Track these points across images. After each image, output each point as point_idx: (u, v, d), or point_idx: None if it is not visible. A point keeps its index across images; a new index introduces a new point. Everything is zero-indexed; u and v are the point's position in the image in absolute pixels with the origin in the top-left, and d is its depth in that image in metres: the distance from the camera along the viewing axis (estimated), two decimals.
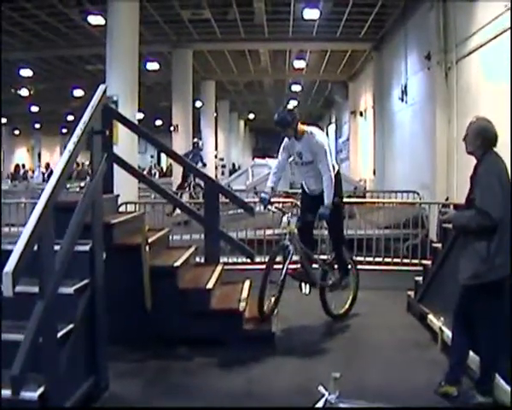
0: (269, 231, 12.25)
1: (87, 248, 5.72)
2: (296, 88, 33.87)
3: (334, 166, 7.81)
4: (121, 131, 9.84)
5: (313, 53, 25.68)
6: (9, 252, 4.24)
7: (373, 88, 23.65)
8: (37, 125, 50.03)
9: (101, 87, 6.48)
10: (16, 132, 53.17)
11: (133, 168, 8.88)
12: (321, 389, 4.49)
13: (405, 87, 18.28)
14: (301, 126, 7.91)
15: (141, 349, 6.98)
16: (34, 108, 39.33)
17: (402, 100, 18.57)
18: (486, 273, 5.33)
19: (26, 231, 4.35)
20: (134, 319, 7.08)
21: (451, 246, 7.21)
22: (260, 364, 6.67)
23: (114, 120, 8.56)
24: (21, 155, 53.32)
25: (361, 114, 27.55)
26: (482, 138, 5.52)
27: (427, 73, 15.34)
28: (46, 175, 26.84)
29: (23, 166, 31.42)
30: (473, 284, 5.43)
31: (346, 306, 8.52)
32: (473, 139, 5.59)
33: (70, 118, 39.56)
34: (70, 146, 5.38)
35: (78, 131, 5.56)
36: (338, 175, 7.95)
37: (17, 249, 4.18)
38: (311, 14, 18.54)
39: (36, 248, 4.49)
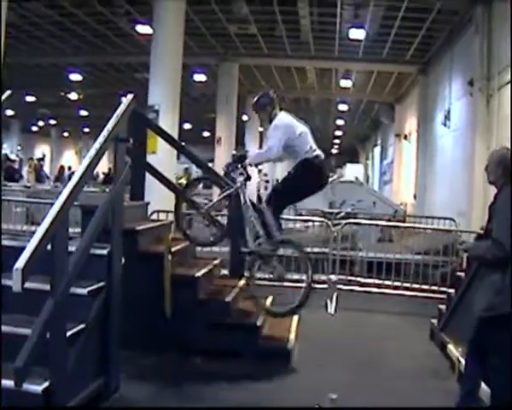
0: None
1: (105, 252, 5.84)
2: (343, 107, 33.74)
3: (297, 150, 7.55)
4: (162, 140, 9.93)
5: (360, 73, 25.62)
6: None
7: (418, 111, 23.53)
8: (86, 129, 50.77)
9: (129, 96, 6.59)
10: (65, 135, 54.07)
11: (164, 177, 8.98)
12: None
13: (449, 112, 18.17)
14: (278, 112, 7.78)
15: (156, 355, 7.06)
16: (83, 112, 40.02)
17: (445, 125, 18.46)
18: (500, 305, 5.27)
19: (40, 231, 4.49)
20: (153, 326, 7.20)
21: (473, 276, 7.11)
22: (272, 380, 6.69)
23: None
24: (69, 158, 54.11)
25: (405, 137, 27.39)
26: (503, 168, 5.52)
27: (470, 100, 15.22)
28: (66, 177, 27.28)
29: (69, 168, 31.86)
30: (487, 316, 5.37)
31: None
32: (494, 168, 5.60)
33: None
34: (91, 152, 5.52)
35: (101, 138, 5.69)
36: (307, 162, 7.58)
37: (29, 247, 4.32)
38: (357, 34, 18.56)
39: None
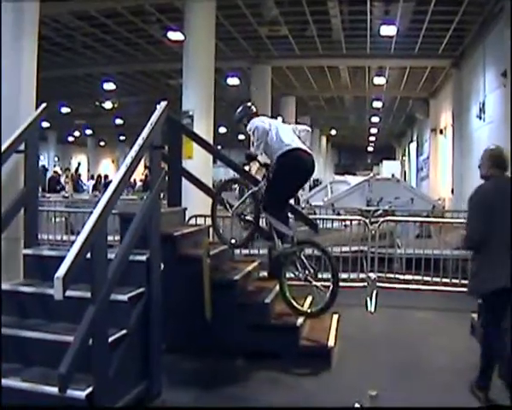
0: (337, 249, 12.26)
1: (144, 258, 5.93)
2: (377, 104, 33.60)
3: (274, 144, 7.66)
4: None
5: (393, 69, 25.48)
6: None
7: (452, 105, 23.33)
8: (122, 138, 51.22)
9: (162, 104, 6.66)
10: (102, 144, 54.63)
11: (200, 182, 9.06)
12: (356, 405, 4.55)
13: (483, 105, 18.00)
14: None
15: (197, 359, 7.14)
16: (119, 121, 40.40)
17: (480, 118, 18.29)
18: (474, 288, 6.18)
19: (79, 239, 4.59)
20: (193, 329, 7.31)
21: None
22: (313, 380, 6.70)
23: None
24: (106, 166, 54.63)
25: (441, 131, 27.16)
26: (492, 162, 6.09)
27: (504, 91, 15.07)
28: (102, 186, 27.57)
29: (105, 176, 32.10)
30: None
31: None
32: (485, 163, 6.17)
33: None
34: (127, 160, 5.62)
35: (136, 147, 5.79)
36: (281, 158, 7.63)
37: (69, 256, 4.42)
38: (388, 30, 18.42)
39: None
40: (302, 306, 7.92)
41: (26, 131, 6.51)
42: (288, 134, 7.73)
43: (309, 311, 7.87)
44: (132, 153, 5.69)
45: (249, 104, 8.37)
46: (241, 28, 19.53)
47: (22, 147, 6.55)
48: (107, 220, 5.02)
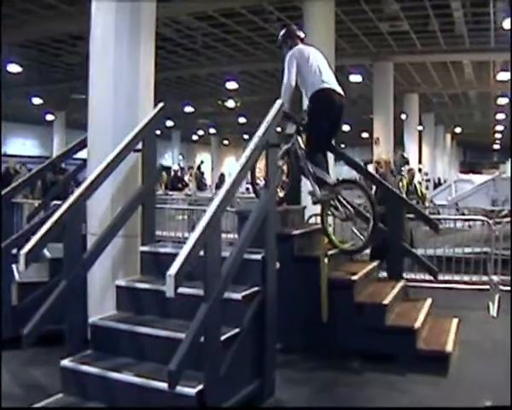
0: (457, 249, 11.94)
1: (259, 256, 5.91)
2: (503, 101, 32.31)
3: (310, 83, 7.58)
4: None
5: None
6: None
7: None
8: (246, 136, 51.83)
9: (278, 102, 6.63)
10: (225, 142, 55.49)
11: None
12: None
13: None
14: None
15: (312, 359, 7.07)
16: (242, 119, 40.87)
17: None
18: None
19: (193, 238, 4.62)
20: (309, 330, 7.27)
21: None
22: (428, 386, 6.43)
23: None
24: (230, 165, 55.41)
25: None
26: None
27: None
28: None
29: (229, 175, 32.51)
30: None
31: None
32: None
33: (277, 129, 40.54)
34: (242, 159, 5.63)
35: (251, 145, 5.78)
36: (314, 96, 7.57)
37: (182, 254, 4.46)
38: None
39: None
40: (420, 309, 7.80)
41: (143, 131, 6.63)
42: (327, 71, 7.66)
43: (350, 248, 8.11)
44: (247, 151, 5.69)
45: (294, 27, 8.25)
46: (361, 24, 19.24)
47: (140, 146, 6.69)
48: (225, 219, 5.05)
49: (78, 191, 5.72)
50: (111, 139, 6.97)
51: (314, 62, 7.60)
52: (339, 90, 7.61)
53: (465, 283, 10.83)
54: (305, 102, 8.04)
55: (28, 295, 7.47)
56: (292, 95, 7.58)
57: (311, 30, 14.85)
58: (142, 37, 7.41)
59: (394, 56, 22.97)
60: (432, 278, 8.81)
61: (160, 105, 6.99)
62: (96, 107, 7.46)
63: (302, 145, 7.81)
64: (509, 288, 10.23)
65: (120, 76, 7.28)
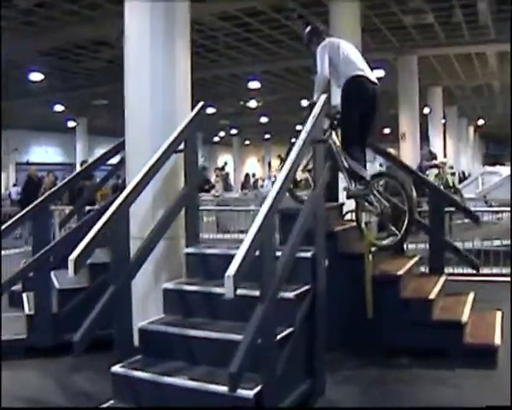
0: (497, 242, 11.80)
1: (309, 254, 5.85)
2: None
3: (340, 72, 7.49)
4: None
5: None
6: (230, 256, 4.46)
7: None
8: (267, 136, 51.78)
9: (323, 97, 6.55)
10: (247, 143, 55.47)
11: None
12: None
13: None
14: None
15: (359, 357, 6.97)
16: (263, 119, 40.80)
17: None
18: None
19: (249, 237, 4.55)
20: (354, 327, 7.15)
21: None
22: (477, 380, 6.28)
23: None
24: (252, 165, 55.48)
25: None
26: None
27: None
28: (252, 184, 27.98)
29: (253, 175, 32.60)
30: None
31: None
32: None
33: (299, 127, 40.49)
34: (292, 155, 5.54)
35: (299, 141, 5.71)
36: (346, 85, 7.48)
37: (239, 254, 4.39)
38: None
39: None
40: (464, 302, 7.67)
41: (185, 131, 6.55)
42: (360, 60, 7.59)
43: (385, 243, 7.69)
44: (296, 148, 5.61)
45: (319, 24, 8.17)
46: (385, 18, 19.12)
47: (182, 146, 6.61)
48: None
49: (122, 196, 5.65)
50: (150, 141, 6.98)
51: (345, 52, 7.52)
52: (372, 78, 7.53)
53: (495, 275, 10.71)
54: (336, 98, 7.97)
55: (68, 302, 7.44)
56: (326, 87, 7.52)
57: (338, 25, 14.87)
58: (177, 36, 7.42)
59: (418, 49, 22.83)
60: (470, 271, 8.69)
61: (201, 104, 6.92)
62: (133, 108, 7.43)
63: (337, 141, 7.70)
64: None
65: (157, 77, 7.26)
